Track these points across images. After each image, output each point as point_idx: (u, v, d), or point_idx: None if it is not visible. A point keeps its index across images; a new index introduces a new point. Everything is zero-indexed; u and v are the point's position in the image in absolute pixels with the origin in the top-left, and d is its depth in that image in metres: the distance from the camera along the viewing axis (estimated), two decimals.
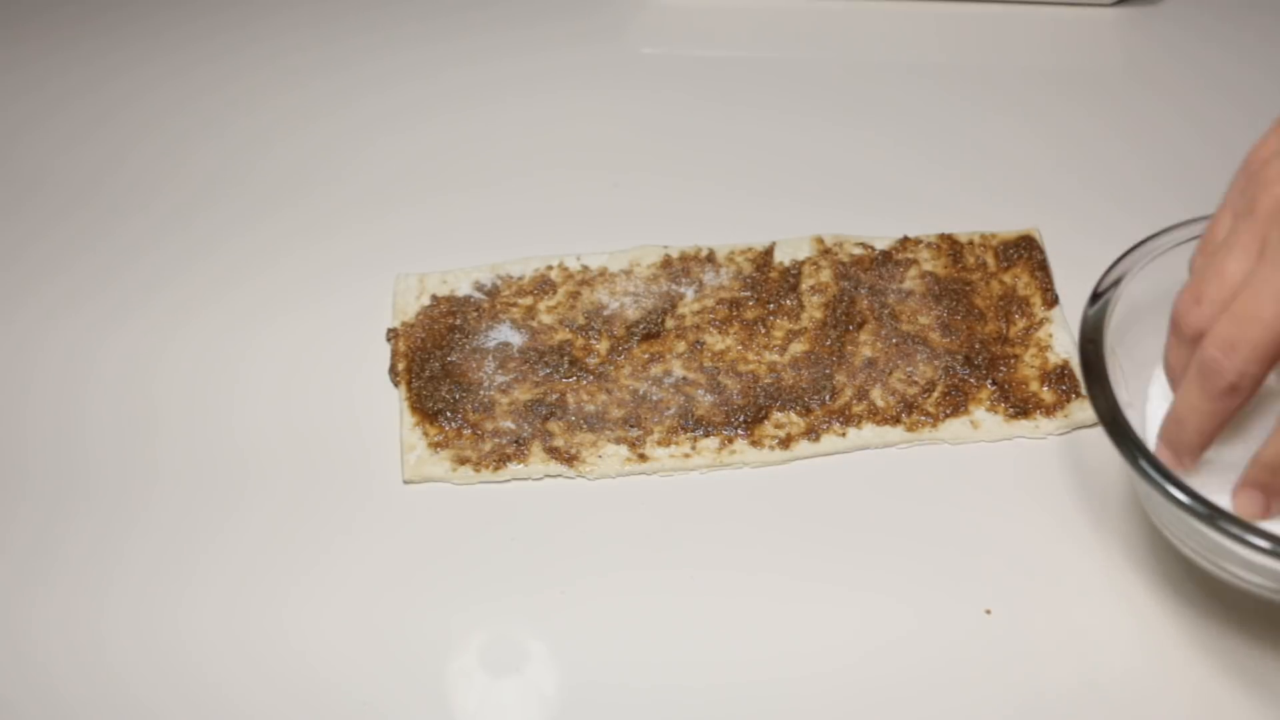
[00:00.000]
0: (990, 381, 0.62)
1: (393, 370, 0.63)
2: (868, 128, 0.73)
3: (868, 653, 0.54)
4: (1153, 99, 0.74)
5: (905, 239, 0.67)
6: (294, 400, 0.63)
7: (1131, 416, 0.51)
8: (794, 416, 0.61)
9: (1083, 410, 0.60)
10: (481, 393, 0.62)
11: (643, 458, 0.60)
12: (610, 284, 0.66)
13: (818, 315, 0.64)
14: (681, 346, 0.63)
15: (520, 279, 0.66)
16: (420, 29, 0.80)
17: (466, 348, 0.64)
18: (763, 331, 0.64)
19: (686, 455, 0.60)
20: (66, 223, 0.70)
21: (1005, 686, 0.53)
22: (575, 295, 0.65)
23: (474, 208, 0.70)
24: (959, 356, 0.62)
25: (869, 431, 0.60)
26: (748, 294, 0.65)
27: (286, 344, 0.65)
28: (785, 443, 0.60)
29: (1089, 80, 0.76)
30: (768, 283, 0.65)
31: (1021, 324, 0.64)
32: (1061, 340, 0.63)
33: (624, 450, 0.60)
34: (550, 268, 0.66)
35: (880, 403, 0.61)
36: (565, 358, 0.63)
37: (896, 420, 0.60)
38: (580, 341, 0.64)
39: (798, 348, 0.63)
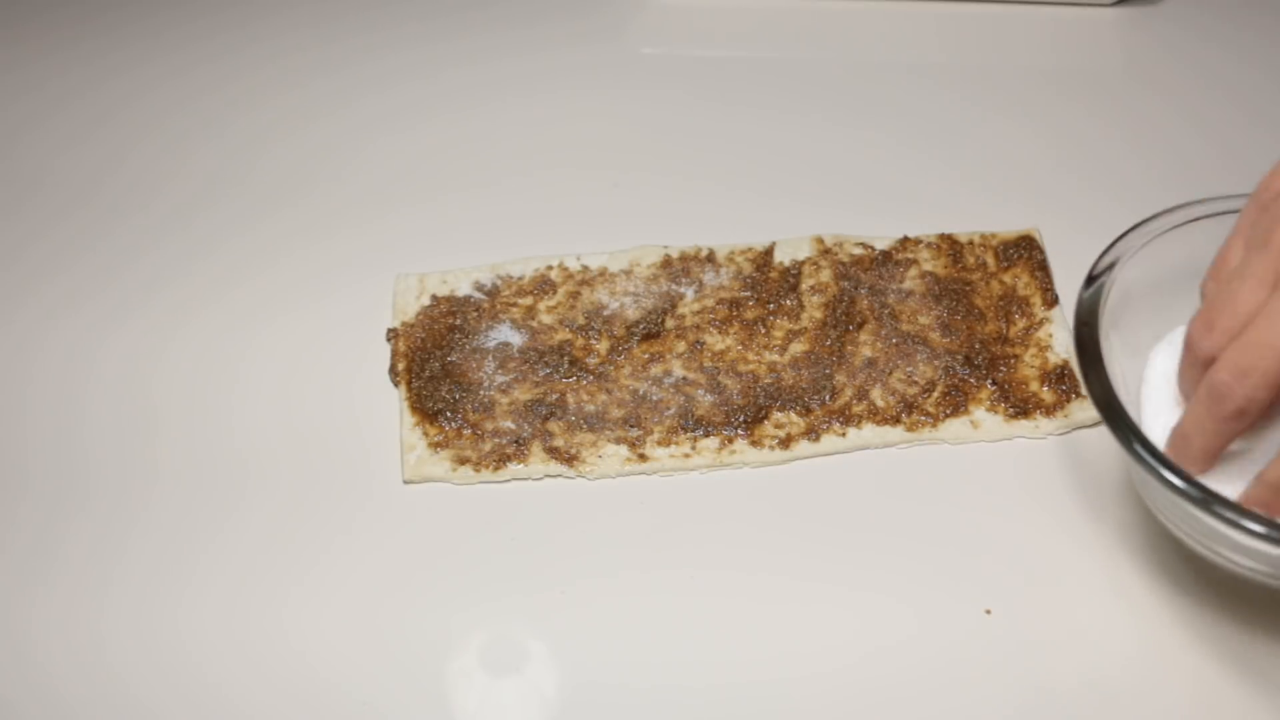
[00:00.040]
0: (990, 381, 0.62)
1: (393, 370, 0.63)
2: (868, 128, 0.73)
3: (868, 653, 0.54)
4: (1153, 99, 0.74)
5: (905, 239, 0.67)
6: (294, 400, 0.63)
7: (1127, 400, 0.51)
8: (794, 416, 0.61)
9: (1083, 410, 0.60)
10: (481, 393, 0.62)
11: (643, 458, 0.60)
12: (610, 284, 0.66)
13: (818, 315, 0.64)
14: (681, 346, 0.63)
15: (520, 279, 0.66)
16: (420, 29, 0.80)
17: (466, 348, 0.64)
18: (763, 331, 0.64)
19: (686, 455, 0.60)
20: (66, 223, 0.70)
21: (1005, 686, 0.53)
22: (575, 295, 0.65)
23: (474, 208, 0.70)
24: (959, 356, 0.62)
25: (869, 431, 0.60)
26: (748, 294, 0.65)
27: (286, 344, 0.65)
28: (785, 443, 0.60)
29: (1089, 80, 0.76)
30: (768, 283, 0.65)
31: (1021, 324, 0.64)
32: (1061, 340, 0.63)
33: (624, 450, 0.60)
34: (550, 268, 0.66)
35: (880, 403, 0.61)
36: (565, 358, 0.63)
37: (896, 420, 0.60)
38: (580, 341, 0.64)
39: (798, 348, 0.63)
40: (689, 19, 0.79)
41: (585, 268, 0.66)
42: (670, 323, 0.64)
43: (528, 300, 0.65)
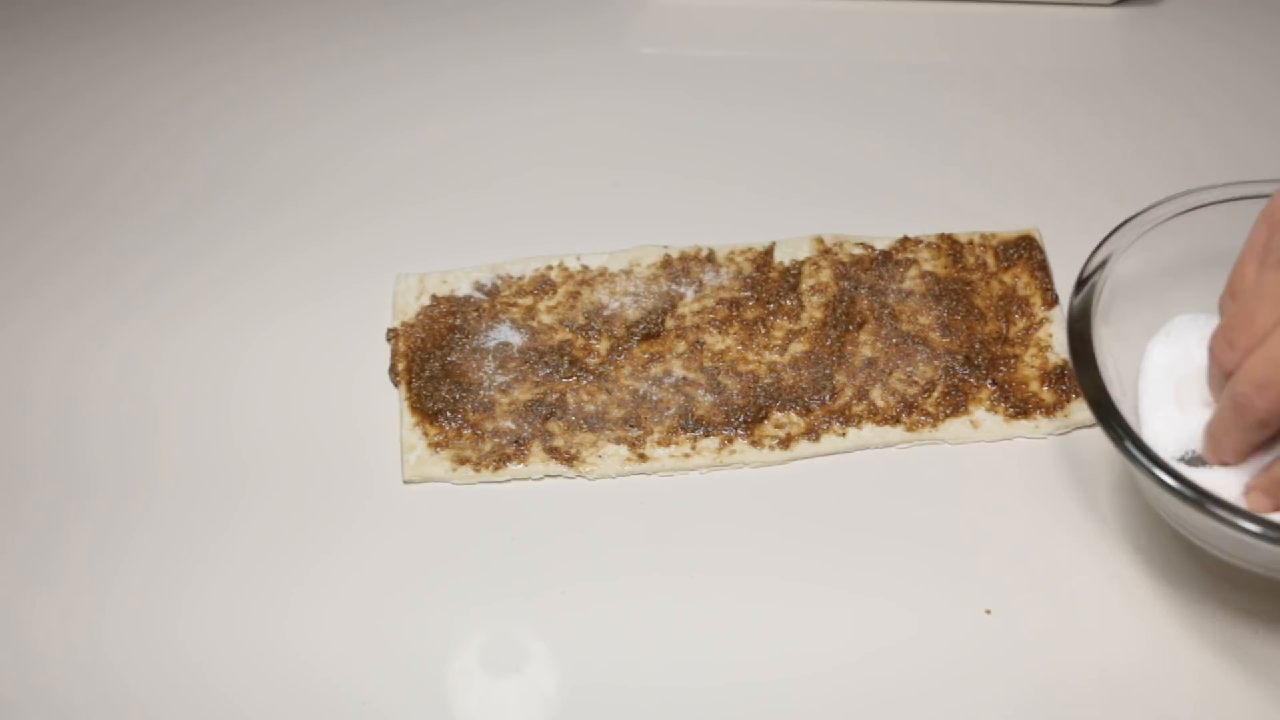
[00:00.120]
0: (990, 381, 0.62)
1: (393, 370, 0.63)
2: (868, 128, 0.73)
3: (868, 653, 0.54)
4: (1153, 99, 0.74)
5: (905, 239, 0.67)
6: (294, 400, 0.63)
7: (1125, 392, 0.52)
8: (794, 416, 0.61)
9: (1082, 410, 0.60)
10: (481, 393, 0.62)
11: (643, 458, 0.60)
12: (610, 284, 0.66)
13: (818, 315, 0.64)
14: (681, 346, 0.63)
15: (520, 279, 0.66)
16: (420, 29, 0.80)
17: (466, 348, 0.64)
18: (763, 331, 0.64)
19: (686, 455, 0.60)
20: (66, 223, 0.70)
21: (1005, 686, 0.53)
22: (575, 295, 0.65)
23: (474, 208, 0.70)
24: (959, 356, 0.62)
25: (869, 431, 0.60)
26: (748, 294, 0.65)
27: (286, 344, 0.65)
28: (785, 443, 0.60)
29: (1089, 80, 0.76)
30: (768, 283, 0.65)
31: (1021, 324, 0.64)
32: (1061, 340, 0.63)
33: (624, 450, 0.60)
34: (550, 268, 0.66)
35: (880, 403, 0.61)
36: (565, 358, 0.63)
37: (896, 420, 0.60)
38: (580, 341, 0.64)
39: (798, 348, 0.63)
40: (689, 19, 0.79)
41: (585, 268, 0.66)
42: (670, 323, 0.64)
43: (528, 300, 0.65)
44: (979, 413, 0.61)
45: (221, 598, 0.57)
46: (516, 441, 0.60)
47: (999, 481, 0.59)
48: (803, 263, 0.66)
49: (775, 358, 0.63)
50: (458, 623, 0.56)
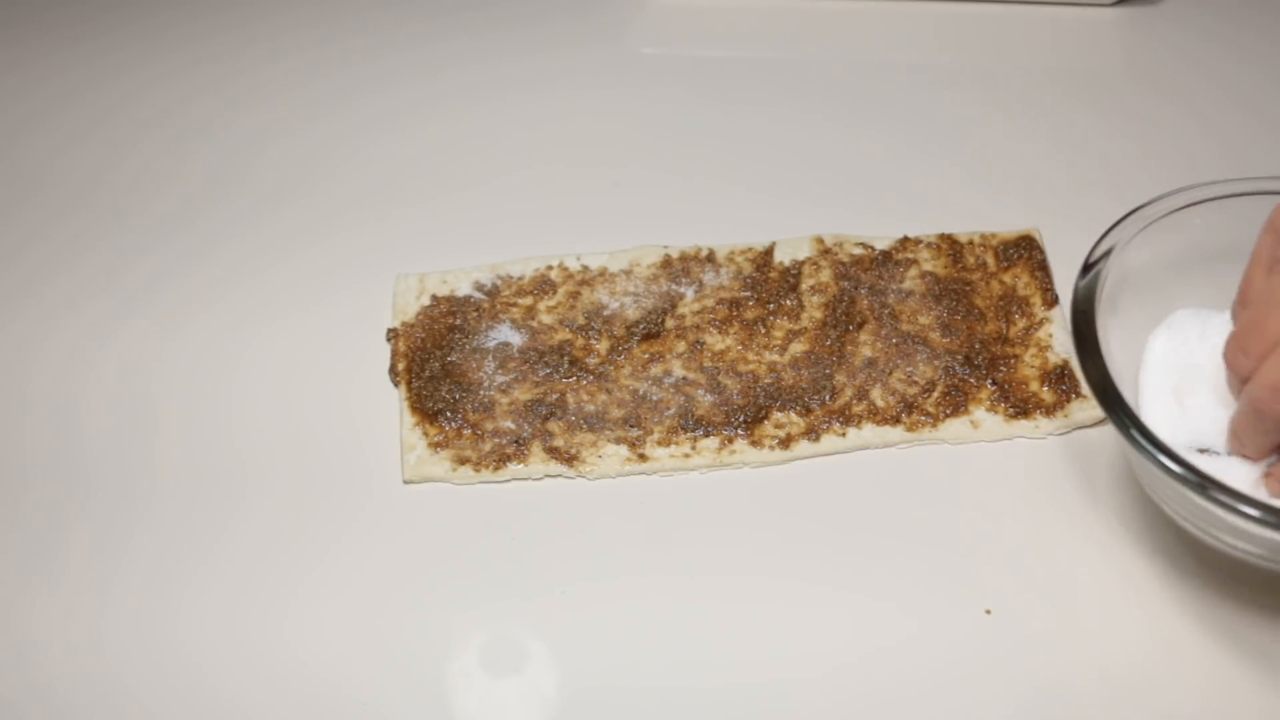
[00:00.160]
0: (990, 381, 0.62)
1: (393, 370, 0.63)
2: (868, 128, 0.73)
3: (868, 653, 0.54)
4: (1153, 99, 0.74)
5: (905, 239, 0.67)
6: (294, 400, 0.63)
7: (1125, 385, 0.52)
8: (794, 416, 0.61)
9: (1082, 410, 0.60)
10: (481, 393, 0.62)
11: (643, 458, 0.60)
12: (610, 284, 0.66)
13: (818, 315, 0.64)
14: (681, 346, 0.63)
15: (520, 279, 0.66)
16: (420, 29, 0.80)
17: (466, 348, 0.64)
18: (763, 331, 0.64)
19: (686, 455, 0.60)
20: (66, 223, 0.70)
21: (1006, 686, 0.53)
22: (575, 295, 0.65)
23: (474, 208, 0.70)
24: (959, 356, 0.62)
25: (869, 431, 0.60)
26: (748, 294, 0.65)
27: (286, 344, 0.65)
28: (785, 443, 0.60)
29: (1089, 80, 0.76)
30: (768, 283, 0.65)
31: (1021, 324, 0.64)
32: (1061, 340, 0.63)
33: (624, 450, 0.60)
34: (550, 268, 0.66)
35: (880, 403, 0.61)
36: (565, 358, 0.63)
37: (896, 420, 0.60)
38: (580, 341, 0.64)
39: (798, 348, 0.63)
40: (689, 19, 0.79)
41: (585, 268, 0.66)
42: (670, 323, 0.64)
43: (528, 300, 0.65)
44: (979, 413, 0.61)
45: (221, 598, 0.57)
46: (516, 441, 0.60)
47: (999, 481, 0.59)
48: (803, 263, 0.66)
49: (775, 358, 0.63)
50: (458, 623, 0.56)
